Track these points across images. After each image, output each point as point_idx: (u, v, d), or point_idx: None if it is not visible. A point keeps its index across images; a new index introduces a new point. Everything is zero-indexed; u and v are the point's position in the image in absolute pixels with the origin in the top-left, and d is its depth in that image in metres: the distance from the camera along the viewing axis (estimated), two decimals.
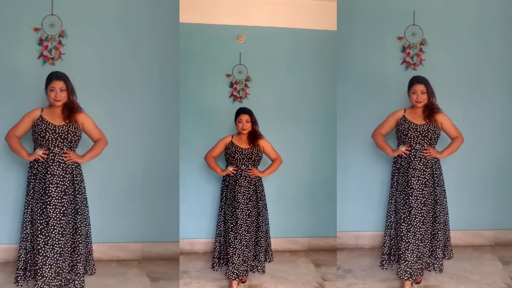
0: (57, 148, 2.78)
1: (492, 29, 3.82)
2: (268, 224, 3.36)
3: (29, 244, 2.84)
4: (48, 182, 2.73)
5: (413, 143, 3.05)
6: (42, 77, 3.37)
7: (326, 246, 3.98)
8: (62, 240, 2.72)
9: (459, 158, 3.80)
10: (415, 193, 2.98)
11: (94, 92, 3.47)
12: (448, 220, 3.19)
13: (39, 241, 2.69)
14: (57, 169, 2.76)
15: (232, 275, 3.05)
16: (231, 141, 3.25)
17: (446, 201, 3.16)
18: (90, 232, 3.02)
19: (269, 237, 3.38)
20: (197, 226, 3.83)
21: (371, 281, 3.16)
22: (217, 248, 3.28)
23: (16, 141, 2.85)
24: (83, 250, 2.88)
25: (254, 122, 3.25)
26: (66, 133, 2.80)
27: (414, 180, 2.99)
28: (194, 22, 3.77)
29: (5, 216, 3.40)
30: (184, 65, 3.71)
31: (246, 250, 3.10)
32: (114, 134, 3.43)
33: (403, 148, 3.06)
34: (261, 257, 3.26)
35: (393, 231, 3.15)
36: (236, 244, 3.07)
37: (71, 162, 2.81)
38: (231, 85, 3.85)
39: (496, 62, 3.84)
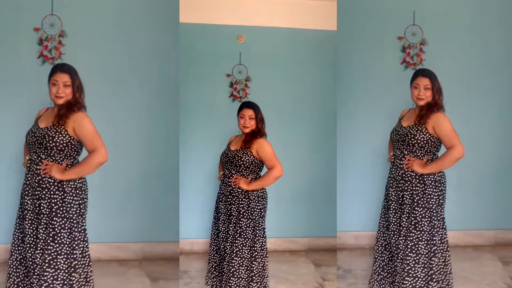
0: (35, 155, 2.24)
1: (492, 29, 3.82)
2: (238, 251, 2.56)
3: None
4: (25, 193, 2.27)
5: (395, 149, 2.56)
6: (42, 77, 3.38)
7: (326, 246, 3.98)
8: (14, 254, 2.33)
9: None
10: (393, 206, 2.53)
11: (94, 92, 3.45)
12: (416, 251, 2.45)
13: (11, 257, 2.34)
14: (32, 179, 2.24)
15: None
16: (229, 142, 2.79)
17: (419, 227, 2.45)
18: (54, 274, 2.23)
19: (236, 269, 2.57)
20: (197, 226, 3.83)
21: None
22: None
23: (25, 145, 2.46)
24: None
25: (259, 119, 2.64)
26: (42, 137, 2.21)
27: (392, 191, 2.54)
28: (194, 22, 3.77)
29: (4, 216, 3.40)
30: (184, 65, 3.71)
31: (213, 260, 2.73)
32: (114, 134, 3.43)
33: (389, 154, 2.66)
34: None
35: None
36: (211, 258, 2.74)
37: (47, 175, 2.22)
38: (231, 85, 3.85)
39: (496, 62, 3.84)
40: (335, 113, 3.76)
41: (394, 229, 2.53)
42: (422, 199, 2.45)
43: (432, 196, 2.47)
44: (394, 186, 2.55)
